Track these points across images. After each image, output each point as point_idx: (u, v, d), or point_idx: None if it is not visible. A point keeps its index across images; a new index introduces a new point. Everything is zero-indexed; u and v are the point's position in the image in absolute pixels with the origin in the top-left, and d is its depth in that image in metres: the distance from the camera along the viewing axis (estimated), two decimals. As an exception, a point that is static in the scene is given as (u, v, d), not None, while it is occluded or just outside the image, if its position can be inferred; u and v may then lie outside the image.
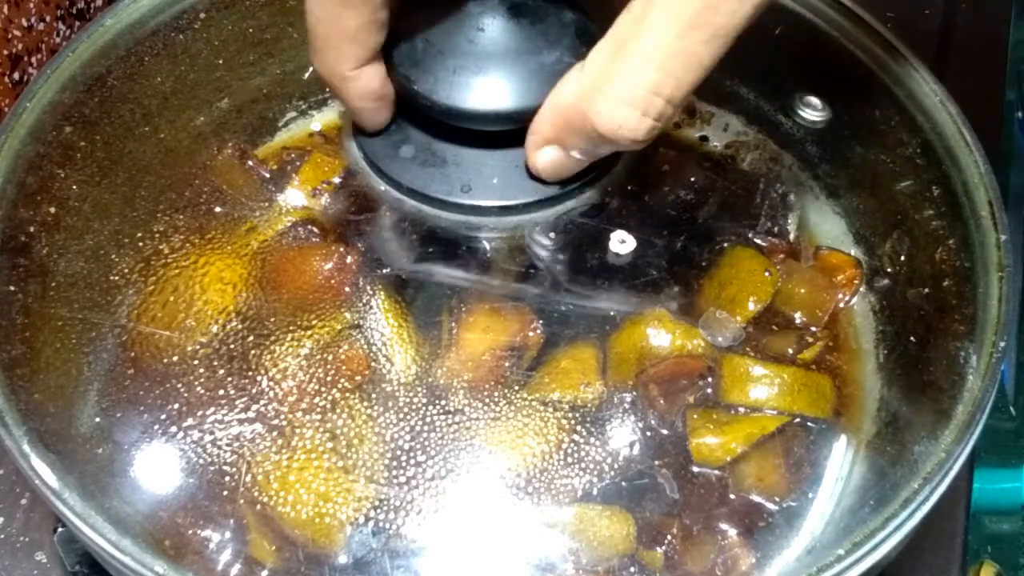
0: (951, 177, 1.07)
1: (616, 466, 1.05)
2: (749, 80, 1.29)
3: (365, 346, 1.11)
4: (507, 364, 1.02)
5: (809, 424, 1.09)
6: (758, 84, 1.29)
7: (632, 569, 1.00)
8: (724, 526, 1.04)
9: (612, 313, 1.17)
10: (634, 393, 1.11)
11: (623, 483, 1.05)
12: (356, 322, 1.11)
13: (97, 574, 1.08)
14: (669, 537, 1.01)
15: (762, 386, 1.08)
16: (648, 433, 1.08)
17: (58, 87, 1.11)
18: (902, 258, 1.14)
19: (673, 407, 1.08)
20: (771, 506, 1.05)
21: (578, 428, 1.07)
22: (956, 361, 1.01)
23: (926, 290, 1.10)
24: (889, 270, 1.16)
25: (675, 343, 1.11)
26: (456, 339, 1.03)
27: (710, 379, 1.09)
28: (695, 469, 1.06)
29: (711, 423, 1.06)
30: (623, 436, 1.06)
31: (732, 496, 1.05)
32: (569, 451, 1.05)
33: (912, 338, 1.10)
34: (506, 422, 1.03)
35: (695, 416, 1.07)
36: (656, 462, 1.07)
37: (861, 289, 1.20)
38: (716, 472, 1.06)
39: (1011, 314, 0.98)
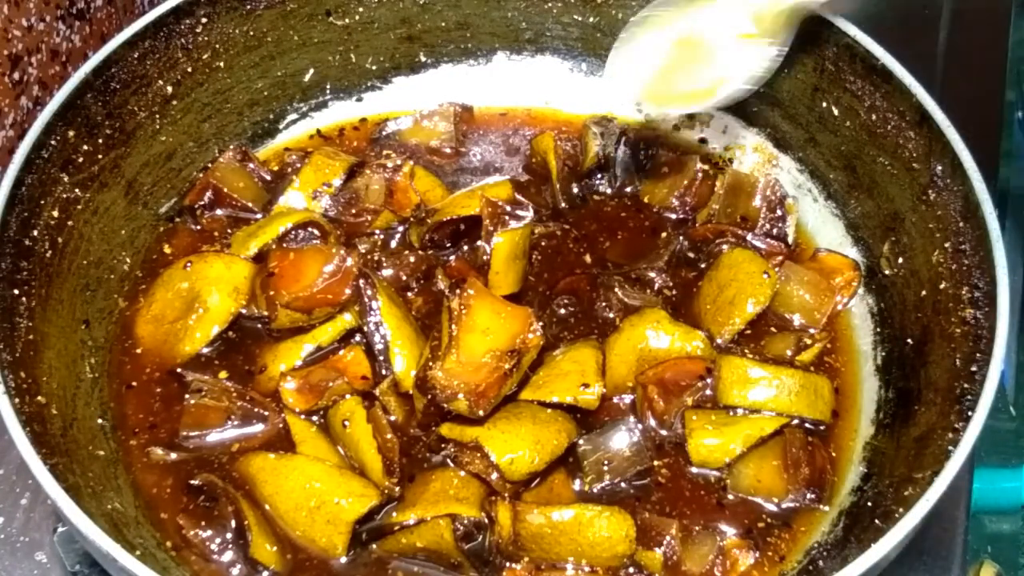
0: (949, 178, 1.07)
1: (615, 467, 1.05)
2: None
3: (366, 347, 1.11)
4: (506, 366, 1.02)
5: (807, 425, 1.09)
6: (758, 88, 1.29)
7: (631, 570, 1.00)
8: (723, 527, 1.04)
9: (611, 315, 1.17)
10: (633, 394, 1.11)
11: (622, 484, 1.05)
12: (358, 323, 1.11)
13: (97, 574, 1.08)
14: (668, 538, 1.00)
15: (761, 388, 1.07)
16: (648, 434, 1.08)
17: (64, 94, 1.11)
18: (900, 260, 1.14)
19: (671, 408, 1.08)
20: (770, 507, 1.05)
21: (578, 429, 1.07)
22: (954, 362, 1.01)
23: (924, 292, 1.09)
24: (887, 272, 1.16)
25: (674, 344, 1.11)
26: (456, 341, 1.03)
27: (709, 380, 1.09)
28: (694, 470, 1.06)
29: (710, 424, 1.06)
30: (622, 437, 1.06)
31: (731, 497, 1.05)
32: (568, 451, 1.05)
33: (910, 340, 1.10)
34: (505, 423, 1.03)
35: (694, 418, 1.07)
36: (656, 463, 1.07)
37: (859, 291, 1.20)
38: (715, 473, 1.06)
39: (1011, 315, 0.98)
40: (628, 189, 1.29)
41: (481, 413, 1.00)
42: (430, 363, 1.02)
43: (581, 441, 1.05)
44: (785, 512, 1.04)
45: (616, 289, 1.17)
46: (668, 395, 1.08)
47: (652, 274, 1.20)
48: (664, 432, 1.08)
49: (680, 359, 1.09)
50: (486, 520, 0.98)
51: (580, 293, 1.18)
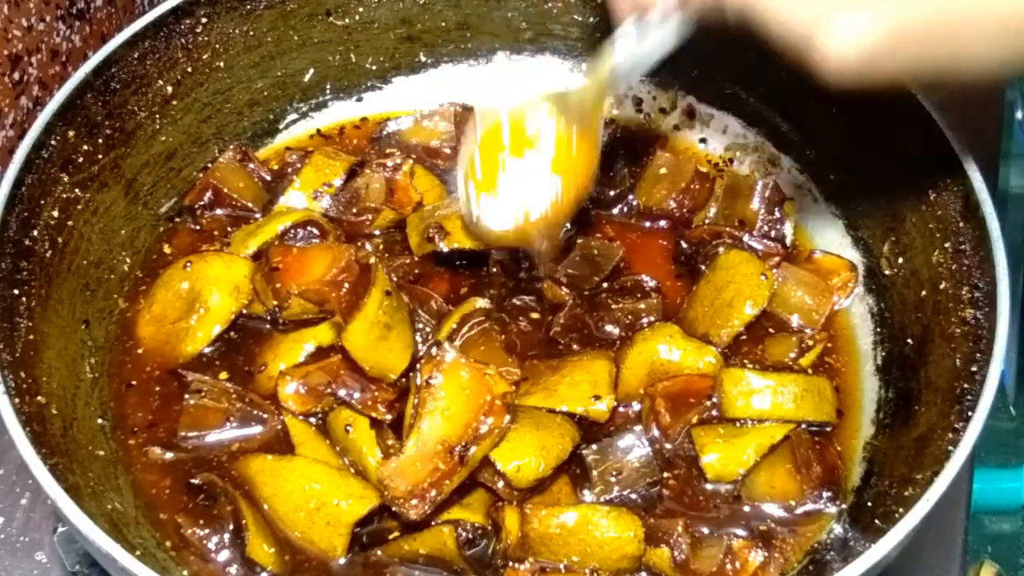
0: (949, 179, 1.07)
1: (625, 478, 1.04)
2: (749, 85, 1.29)
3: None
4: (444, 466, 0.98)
5: (813, 427, 1.08)
6: (758, 88, 1.29)
7: (641, 574, 1.00)
8: (730, 529, 1.03)
9: (620, 331, 1.15)
10: (641, 404, 1.10)
11: (632, 495, 1.04)
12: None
13: (97, 574, 1.08)
14: (675, 535, 1.00)
15: (765, 397, 1.06)
16: (655, 446, 1.07)
17: (64, 94, 1.11)
18: (900, 260, 1.14)
19: (677, 424, 1.07)
20: (785, 512, 1.04)
21: (580, 434, 1.06)
22: (954, 362, 1.01)
23: (924, 292, 1.09)
24: (887, 272, 1.16)
25: (686, 359, 1.10)
26: (417, 426, 0.98)
27: (715, 400, 1.08)
28: (708, 486, 1.05)
29: (719, 438, 1.05)
30: (631, 449, 1.05)
31: (746, 508, 1.04)
32: (571, 459, 1.03)
33: (910, 340, 1.10)
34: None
35: (702, 434, 1.06)
36: (666, 474, 1.06)
37: (859, 291, 1.20)
38: (727, 486, 1.05)
39: (1011, 315, 0.98)
40: (612, 193, 1.27)
41: (414, 517, 0.95)
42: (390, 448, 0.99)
43: (589, 452, 1.04)
44: (799, 514, 1.04)
45: (612, 305, 1.16)
46: (675, 410, 1.06)
47: (642, 278, 1.18)
48: (668, 445, 1.07)
49: (691, 376, 1.09)
50: (491, 527, 0.98)
51: (577, 322, 1.15)
